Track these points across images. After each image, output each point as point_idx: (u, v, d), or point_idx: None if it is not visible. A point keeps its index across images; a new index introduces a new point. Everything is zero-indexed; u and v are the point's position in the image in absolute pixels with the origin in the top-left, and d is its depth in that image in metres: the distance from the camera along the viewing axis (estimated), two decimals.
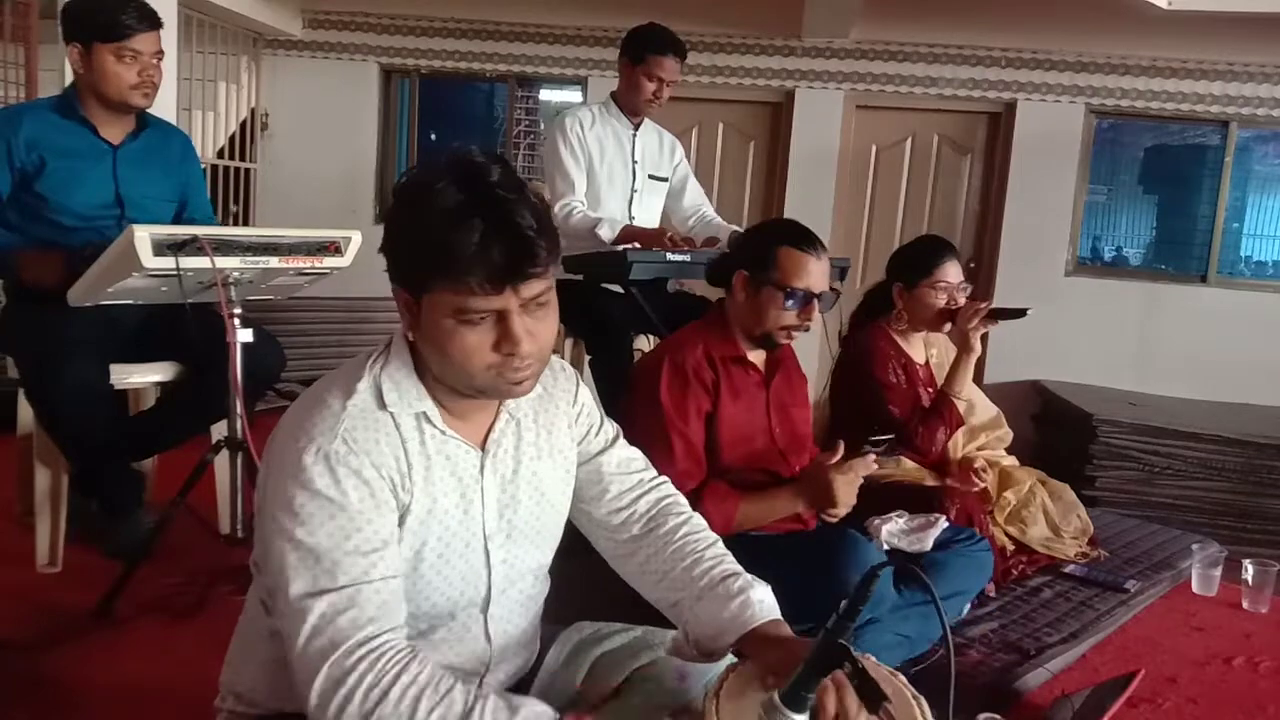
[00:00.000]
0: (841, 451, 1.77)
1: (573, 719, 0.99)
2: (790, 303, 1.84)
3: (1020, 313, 2.44)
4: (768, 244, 1.88)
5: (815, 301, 1.86)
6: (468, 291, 0.98)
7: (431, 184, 0.99)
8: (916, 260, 2.51)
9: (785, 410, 2.00)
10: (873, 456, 1.77)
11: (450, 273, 0.98)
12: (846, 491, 1.76)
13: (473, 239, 0.96)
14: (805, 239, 1.87)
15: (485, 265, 0.97)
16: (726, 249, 3.06)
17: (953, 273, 2.48)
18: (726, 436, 1.87)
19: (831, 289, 1.92)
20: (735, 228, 3.16)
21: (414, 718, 0.94)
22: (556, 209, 2.99)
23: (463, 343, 1.01)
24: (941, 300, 2.47)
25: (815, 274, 1.85)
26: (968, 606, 2.25)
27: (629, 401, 1.94)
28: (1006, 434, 2.76)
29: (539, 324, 1.04)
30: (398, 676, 0.96)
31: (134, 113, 2.39)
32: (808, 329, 1.91)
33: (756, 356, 1.97)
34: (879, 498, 2.10)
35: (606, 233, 2.87)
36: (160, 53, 2.33)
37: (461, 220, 0.97)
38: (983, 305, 2.42)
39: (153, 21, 2.30)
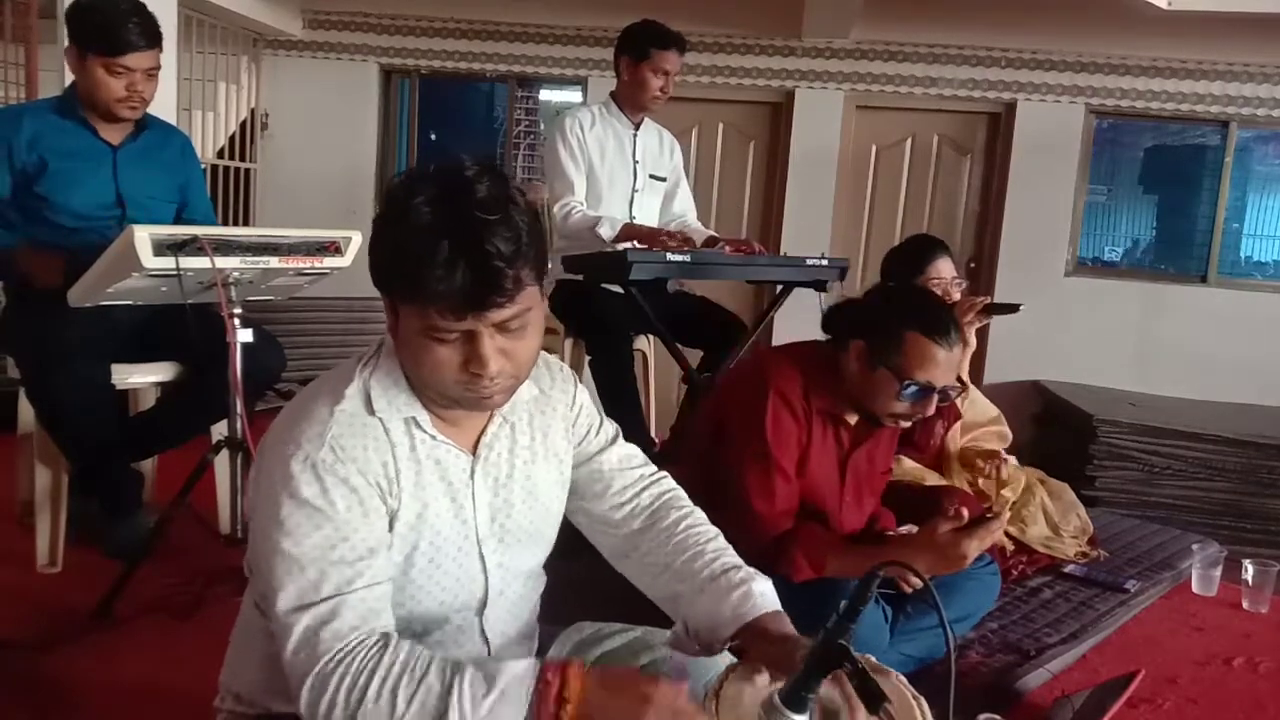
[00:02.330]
0: (966, 515, 1.65)
1: (557, 666, 0.96)
2: (907, 393, 1.69)
3: (1014, 308, 2.47)
4: (898, 324, 1.70)
5: (933, 395, 1.71)
6: (431, 314, 0.97)
7: (412, 196, 0.97)
8: (909, 259, 2.52)
9: (859, 475, 1.91)
10: (1007, 514, 1.65)
11: (414, 294, 0.96)
12: (975, 556, 1.64)
13: (437, 263, 0.94)
14: (939, 327, 1.69)
15: (446, 291, 0.94)
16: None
17: (945, 269, 2.50)
18: (802, 479, 1.81)
19: (960, 379, 1.78)
20: (711, 233, 3.18)
21: (395, 711, 0.94)
22: (556, 210, 2.99)
23: (433, 357, 1.00)
24: None
25: (943, 367, 1.69)
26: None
27: (721, 415, 1.85)
28: (1006, 434, 2.76)
29: (514, 343, 1.02)
30: (373, 673, 0.95)
31: (122, 121, 2.37)
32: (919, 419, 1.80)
33: (852, 416, 1.85)
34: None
35: (607, 231, 2.88)
36: (156, 68, 2.30)
37: (428, 242, 0.94)
38: (978, 300, 2.44)
39: (151, 39, 2.26)
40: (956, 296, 2.51)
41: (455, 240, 0.94)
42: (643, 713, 0.93)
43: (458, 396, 1.05)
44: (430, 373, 1.02)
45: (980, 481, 2.57)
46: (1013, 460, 2.78)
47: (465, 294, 0.95)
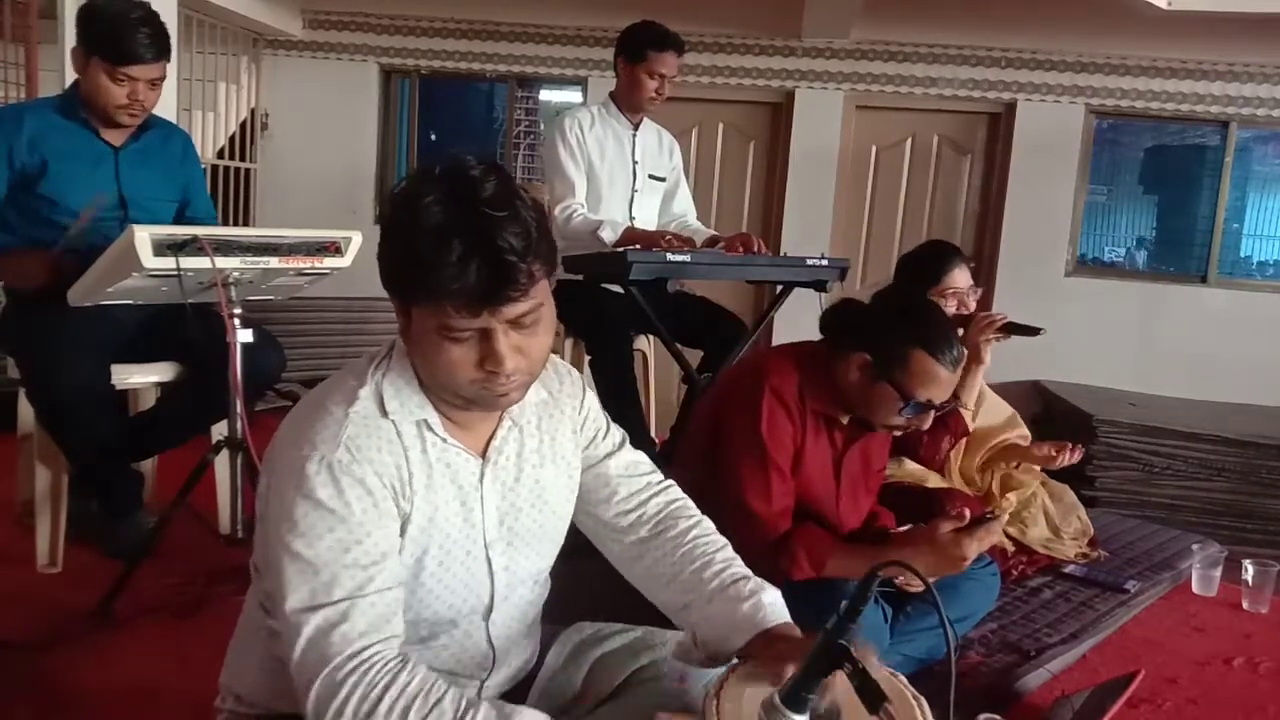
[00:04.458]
0: (968, 516, 1.68)
1: None
2: (906, 409, 1.70)
3: (1034, 331, 2.41)
4: (904, 340, 1.69)
5: (931, 411, 1.73)
6: (446, 312, 0.97)
7: (420, 197, 0.97)
8: (924, 268, 2.46)
9: (854, 475, 1.92)
10: (1006, 516, 1.67)
11: (428, 294, 0.97)
12: (974, 556, 1.67)
13: (450, 261, 0.94)
14: (945, 346, 1.69)
15: (462, 288, 0.95)
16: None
17: (961, 279, 2.45)
18: (797, 479, 1.81)
19: (955, 395, 1.78)
20: (712, 233, 3.17)
21: None
22: (557, 211, 2.99)
23: (447, 357, 1.00)
24: (952, 306, 2.42)
25: (945, 386, 1.71)
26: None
27: (718, 413, 1.86)
28: (1025, 434, 2.73)
29: (528, 340, 1.02)
30: (387, 688, 0.95)
31: (122, 126, 2.35)
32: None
33: (845, 417, 1.86)
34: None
35: (608, 235, 2.88)
36: (160, 79, 2.28)
37: (441, 241, 0.95)
38: (998, 317, 2.39)
39: (159, 52, 2.23)
40: (972, 305, 2.47)
41: (467, 238, 0.95)
42: None
43: (473, 396, 1.05)
44: (445, 373, 1.02)
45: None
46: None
47: (480, 290, 0.95)
